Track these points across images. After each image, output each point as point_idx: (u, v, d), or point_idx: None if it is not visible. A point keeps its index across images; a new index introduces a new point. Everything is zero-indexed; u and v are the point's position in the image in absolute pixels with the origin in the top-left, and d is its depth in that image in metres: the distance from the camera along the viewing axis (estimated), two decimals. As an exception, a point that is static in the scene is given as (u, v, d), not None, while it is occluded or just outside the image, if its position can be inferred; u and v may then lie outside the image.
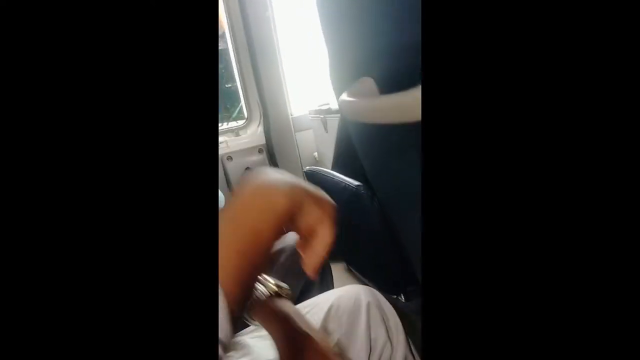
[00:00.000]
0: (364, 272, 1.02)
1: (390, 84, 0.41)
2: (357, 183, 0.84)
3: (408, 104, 0.32)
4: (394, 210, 0.71)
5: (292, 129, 1.53)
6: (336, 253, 1.18)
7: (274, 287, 0.46)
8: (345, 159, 1.04)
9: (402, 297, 0.96)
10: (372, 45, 0.43)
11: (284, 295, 0.46)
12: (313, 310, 0.58)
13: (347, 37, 0.48)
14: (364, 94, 0.42)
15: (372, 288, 0.63)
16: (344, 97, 0.44)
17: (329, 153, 1.29)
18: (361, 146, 0.63)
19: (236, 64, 1.48)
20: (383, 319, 0.58)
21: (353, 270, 1.16)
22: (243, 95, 1.53)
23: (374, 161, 0.61)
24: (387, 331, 0.57)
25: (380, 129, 0.45)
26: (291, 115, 1.53)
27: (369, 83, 0.42)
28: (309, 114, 1.48)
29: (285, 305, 0.45)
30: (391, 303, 0.90)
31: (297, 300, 0.79)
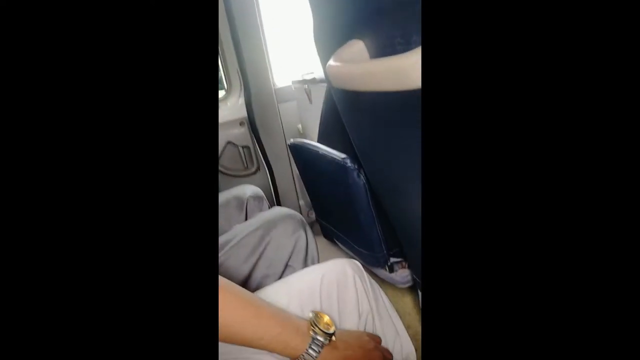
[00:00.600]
0: (350, 246, 1.02)
1: (382, 48, 0.38)
2: (343, 156, 0.82)
3: (402, 69, 0.30)
4: (380, 184, 0.69)
5: (275, 101, 1.47)
6: (322, 228, 1.17)
7: (328, 335, 0.48)
8: (331, 131, 1.01)
9: (387, 269, 0.97)
10: (362, 6, 0.39)
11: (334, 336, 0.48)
12: (303, 284, 0.57)
13: (334, -4, 0.44)
14: (352, 59, 0.39)
15: (355, 261, 0.63)
16: (331, 62, 0.40)
17: (313, 125, 1.25)
18: (348, 117, 0.60)
19: (214, 29, 1.39)
20: (365, 290, 0.59)
21: (338, 244, 1.16)
22: (222, 65, 1.45)
23: (361, 133, 0.58)
24: (369, 302, 0.58)
25: (369, 98, 0.42)
26: (274, 85, 1.47)
27: (359, 46, 0.39)
28: (292, 84, 1.43)
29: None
30: (377, 274, 0.91)
31: (282, 274, 0.78)
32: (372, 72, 0.33)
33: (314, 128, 1.20)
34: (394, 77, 0.30)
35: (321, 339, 0.47)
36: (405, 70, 0.28)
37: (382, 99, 0.38)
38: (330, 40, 0.47)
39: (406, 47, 0.33)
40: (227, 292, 0.46)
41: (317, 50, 0.55)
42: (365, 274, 0.63)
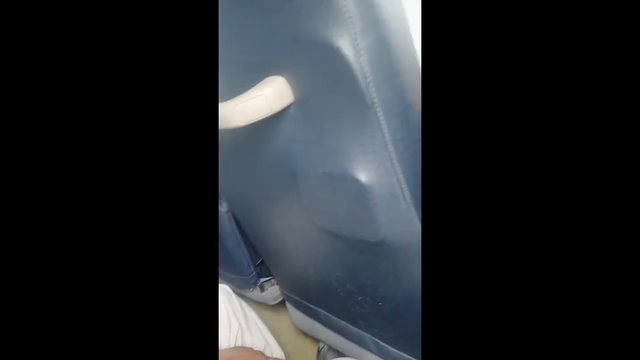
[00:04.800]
0: (221, 274, 1.05)
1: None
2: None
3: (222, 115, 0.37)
4: (239, 207, 0.76)
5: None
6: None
7: None
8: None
9: (259, 289, 1.03)
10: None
11: None
12: None
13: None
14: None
15: (222, 284, 0.69)
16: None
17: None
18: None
19: None
20: (234, 309, 0.66)
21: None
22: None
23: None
24: (238, 319, 0.65)
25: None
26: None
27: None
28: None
29: None
30: (248, 295, 0.97)
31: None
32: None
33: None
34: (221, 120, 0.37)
35: None
36: (223, 115, 0.35)
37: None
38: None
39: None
40: None
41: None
42: (233, 294, 0.70)
